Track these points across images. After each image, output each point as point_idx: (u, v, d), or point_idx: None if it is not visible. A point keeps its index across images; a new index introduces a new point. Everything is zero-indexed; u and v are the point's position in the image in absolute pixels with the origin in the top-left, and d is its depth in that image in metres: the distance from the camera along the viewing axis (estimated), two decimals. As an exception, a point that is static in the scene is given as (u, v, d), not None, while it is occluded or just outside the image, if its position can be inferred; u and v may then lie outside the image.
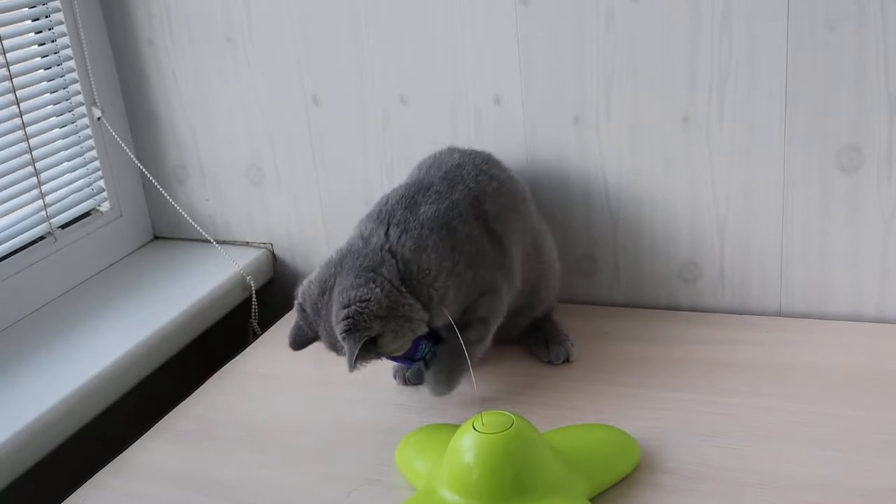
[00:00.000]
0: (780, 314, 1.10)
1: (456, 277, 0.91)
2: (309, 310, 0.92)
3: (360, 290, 0.86)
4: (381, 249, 0.90)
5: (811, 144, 1.02)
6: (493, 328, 0.96)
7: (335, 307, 0.88)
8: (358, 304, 0.86)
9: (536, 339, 1.05)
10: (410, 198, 0.94)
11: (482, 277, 0.94)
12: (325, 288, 0.90)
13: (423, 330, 0.90)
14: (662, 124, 1.07)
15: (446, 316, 0.90)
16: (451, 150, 1.04)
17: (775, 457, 0.83)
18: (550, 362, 1.02)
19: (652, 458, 0.84)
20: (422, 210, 0.93)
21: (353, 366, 0.86)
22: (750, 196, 1.07)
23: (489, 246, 0.95)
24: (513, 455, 0.74)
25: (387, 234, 0.91)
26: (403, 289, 0.88)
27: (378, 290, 0.87)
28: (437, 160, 1.02)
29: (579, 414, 0.92)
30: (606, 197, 1.13)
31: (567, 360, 1.02)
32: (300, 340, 0.94)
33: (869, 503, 0.77)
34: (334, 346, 0.90)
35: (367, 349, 0.87)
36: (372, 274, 0.88)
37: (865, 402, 0.90)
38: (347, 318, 0.86)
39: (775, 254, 1.08)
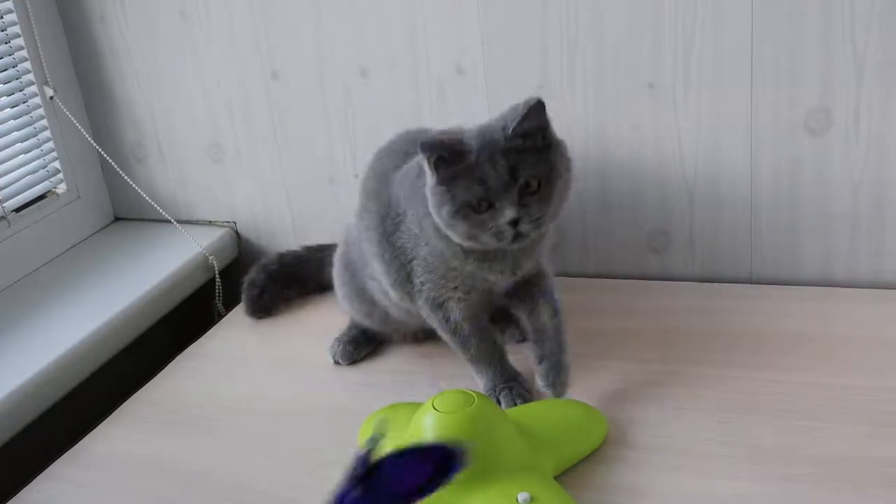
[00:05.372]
0: (750, 281, 1.09)
1: None
2: None
3: None
4: None
5: (779, 108, 1.00)
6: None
7: None
8: None
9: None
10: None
11: None
12: None
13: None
14: (628, 91, 1.05)
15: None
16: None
17: (742, 427, 0.82)
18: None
19: (619, 432, 0.83)
20: None
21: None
22: (718, 162, 1.05)
23: None
24: (473, 434, 0.72)
25: None
26: None
27: None
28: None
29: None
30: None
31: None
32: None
33: (835, 471, 0.75)
34: None
35: None
36: None
37: (834, 369, 0.89)
38: None
39: (745, 220, 1.07)
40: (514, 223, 0.79)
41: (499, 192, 0.79)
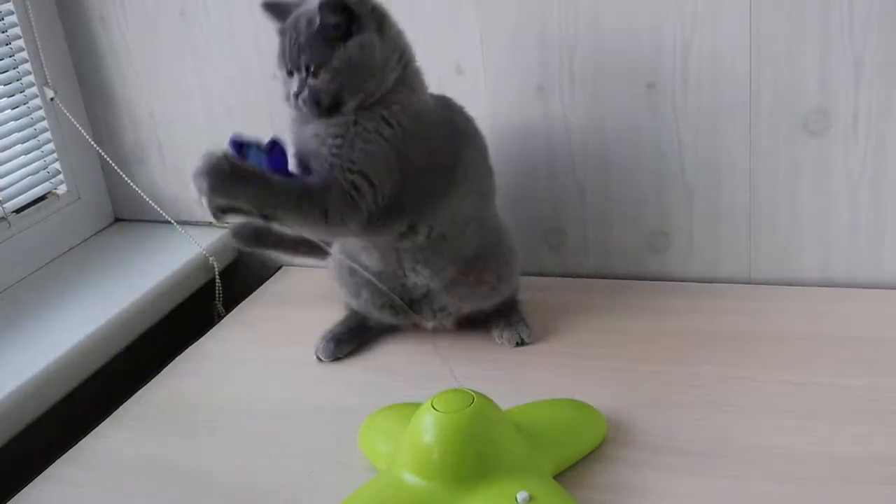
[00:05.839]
0: (749, 281, 1.09)
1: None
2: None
3: None
4: None
5: (778, 108, 1.00)
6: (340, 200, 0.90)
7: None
8: None
9: (495, 323, 1.02)
10: None
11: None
12: None
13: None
14: (627, 91, 1.05)
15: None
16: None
17: (743, 427, 0.82)
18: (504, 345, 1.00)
19: (618, 432, 0.83)
20: None
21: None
22: (717, 162, 1.05)
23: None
24: (473, 434, 0.72)
25: None
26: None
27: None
28: None
29: (544, 389, 0.90)
30: (573, 167, 1.11)
31: (521, 344, 1.00)
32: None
33: (835, 471, 0.75)
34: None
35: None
36: None
37: (833, 370, 0.89)
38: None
39: (744, 220, 1.07)
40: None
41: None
